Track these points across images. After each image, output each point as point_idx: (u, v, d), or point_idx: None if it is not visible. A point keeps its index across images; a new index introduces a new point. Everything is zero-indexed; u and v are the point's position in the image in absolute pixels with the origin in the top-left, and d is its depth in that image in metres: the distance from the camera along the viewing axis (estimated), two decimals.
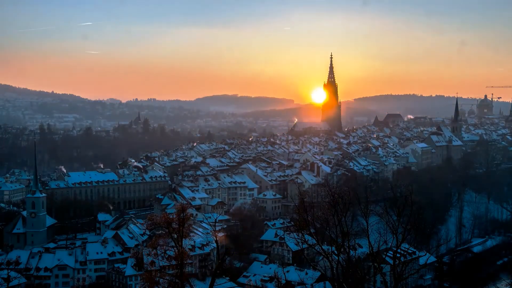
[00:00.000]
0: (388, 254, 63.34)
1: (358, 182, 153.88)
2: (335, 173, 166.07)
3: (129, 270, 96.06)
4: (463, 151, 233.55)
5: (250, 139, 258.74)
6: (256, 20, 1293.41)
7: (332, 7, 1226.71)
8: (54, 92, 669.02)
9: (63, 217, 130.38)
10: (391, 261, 42.25)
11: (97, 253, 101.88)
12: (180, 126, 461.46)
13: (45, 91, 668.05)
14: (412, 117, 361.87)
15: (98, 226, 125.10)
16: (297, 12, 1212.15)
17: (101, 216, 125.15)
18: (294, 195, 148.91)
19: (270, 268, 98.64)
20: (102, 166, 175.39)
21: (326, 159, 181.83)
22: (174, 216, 57.46)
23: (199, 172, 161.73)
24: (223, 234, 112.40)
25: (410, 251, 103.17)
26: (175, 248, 52.91)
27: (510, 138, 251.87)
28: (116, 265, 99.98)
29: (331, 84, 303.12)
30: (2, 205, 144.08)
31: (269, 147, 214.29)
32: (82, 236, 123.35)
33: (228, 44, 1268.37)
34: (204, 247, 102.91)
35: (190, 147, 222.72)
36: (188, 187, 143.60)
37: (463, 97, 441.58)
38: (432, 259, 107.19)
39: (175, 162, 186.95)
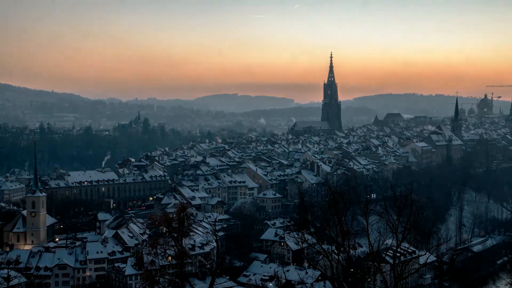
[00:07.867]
0: (388, 253, 63.52)
1: (358, 182, 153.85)
2: (335, 173, 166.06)
3: (129, 270, 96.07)
4: (463, 150, 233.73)
5: (250, 138, 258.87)
6: (256, 18, 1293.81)
7: (333, 6, 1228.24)
8: (54, 91, 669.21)
9: (63, 217, 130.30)
10: (391, 261, 42.31)
11: (97, 252, 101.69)
12: (180, 126, 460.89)
13: (45, 90, 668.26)
14: (412, 116, 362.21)
15: (98, 225, 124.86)
16: (298, 11, 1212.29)
17: (101, 216, 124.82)
18: (294, 194, 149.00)
19: (270, 268, 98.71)
20: (102, 166, 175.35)
21: (326, 158, 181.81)
22: (174, 215, 57.67)
23: (199, 172, 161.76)
24: (223, 233, 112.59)
25: (410, 251, 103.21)
26: (175, 247, 53.05)
27: (510, 137, 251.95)
28: (116, 265, 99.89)
29: (331, 83, 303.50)
30: (2, 204, 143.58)
31: (269, 146, 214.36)
32: (82, 235, 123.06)
33: (228, 43, 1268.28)
34: (204, 246, 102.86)
35: (190, 147, 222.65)
36: (188, 187, 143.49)
37: (463, 96, 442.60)
38: (432, 258, 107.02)
39: (175, 162, 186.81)
